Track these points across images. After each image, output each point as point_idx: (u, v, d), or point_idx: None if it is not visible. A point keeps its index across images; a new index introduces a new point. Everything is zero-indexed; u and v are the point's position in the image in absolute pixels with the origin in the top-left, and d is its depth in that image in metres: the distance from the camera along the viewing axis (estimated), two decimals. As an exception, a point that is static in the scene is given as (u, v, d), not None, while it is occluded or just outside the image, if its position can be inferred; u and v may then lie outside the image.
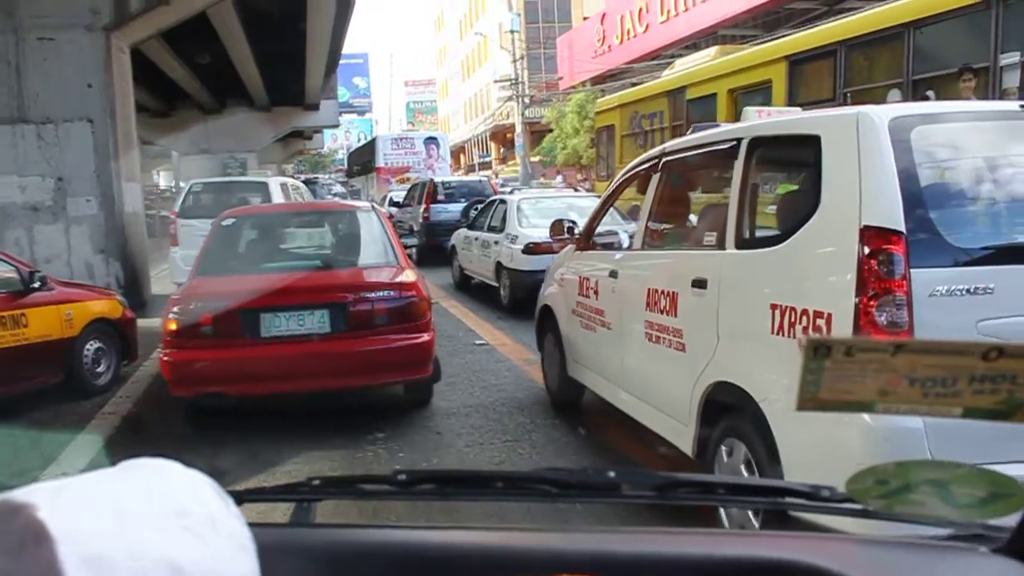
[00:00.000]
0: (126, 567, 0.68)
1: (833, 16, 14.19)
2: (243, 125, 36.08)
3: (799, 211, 3.47)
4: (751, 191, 3.89)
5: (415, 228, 18.61)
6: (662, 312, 4.35)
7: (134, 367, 8.33)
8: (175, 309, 6.04)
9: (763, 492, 1.29)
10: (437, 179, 20.30)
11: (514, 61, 40.18)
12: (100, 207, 11.67)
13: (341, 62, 34.65)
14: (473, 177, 26.12)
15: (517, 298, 10.87)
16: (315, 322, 5.98)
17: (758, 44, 13.28)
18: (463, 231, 13.95)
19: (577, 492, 1.23)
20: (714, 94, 12.19)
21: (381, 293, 6.15)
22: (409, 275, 6.42)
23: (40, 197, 11.47)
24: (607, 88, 34.41)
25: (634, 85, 19.12)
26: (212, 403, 6.03)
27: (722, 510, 3.41)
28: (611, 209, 6.21)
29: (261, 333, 5.91)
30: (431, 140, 31.91)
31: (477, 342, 9.38)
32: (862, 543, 1.16)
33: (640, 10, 31.19)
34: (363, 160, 34.92)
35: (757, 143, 3.93)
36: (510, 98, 45.60)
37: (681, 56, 17.67)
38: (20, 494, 0.69)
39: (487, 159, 63.30)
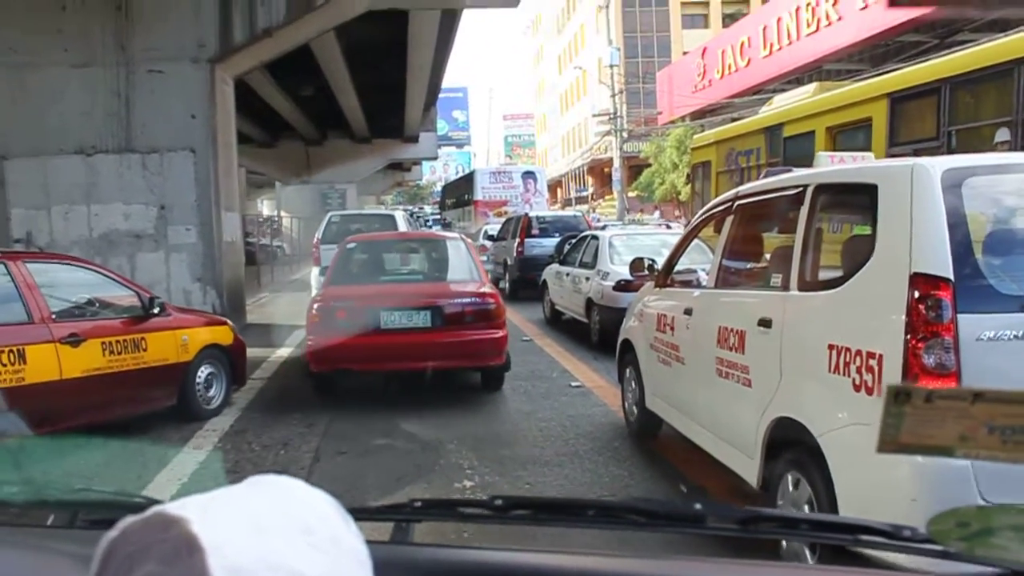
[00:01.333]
0: None
1: (945, 49, 14.12)
2: (343, 156, 37.28)
3: (858, 256, 3.67)
4: (815, 235, 4.12)
5: (509, 262, 18.95)
6: (731, 349, 4.59)
7: (244, 393, 8.75)
8: (317, 306, 8.18)
9: (845, 529, 1.30)
10: (532, 213, 20.63)
11: (613, 95, 40.47)
12: (199, 236, 12.26)
13: (440, 95, 35.28)
14: (568, 212, 26.54)
15: (607, 335, 10.64)
16: (419, 319, 8.03)
17: (861, 80, 13.31)
18: (555, 266, 14.11)
19: (665, 522, 1.28)
20: (812, 132, 12.28)
21: (467, 300, 8.24)
22: (488, 287, 8.53)
23: (143, 225, 12.12)
24: (706, 123, 34.26)
25: (734, 120, 19.23)
26: (341, 379, 8.44)
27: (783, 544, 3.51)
28: (701, 244, 6.36)
29: (380, 326, 7.94)
30: (528, 174, 31.96)
31: (573, 383, 9.18)
32: None
33: (743, 44, 31.27)
34: (459, 193, 35.60)
35: (821, 190, 4.17)
36: (608, 133, 45.84)
37: (783, 91, 17.78)
38: (173, 507, 0.76)
39: (584, 193, 63.67)
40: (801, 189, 4.29)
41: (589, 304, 11.75)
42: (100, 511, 1.38)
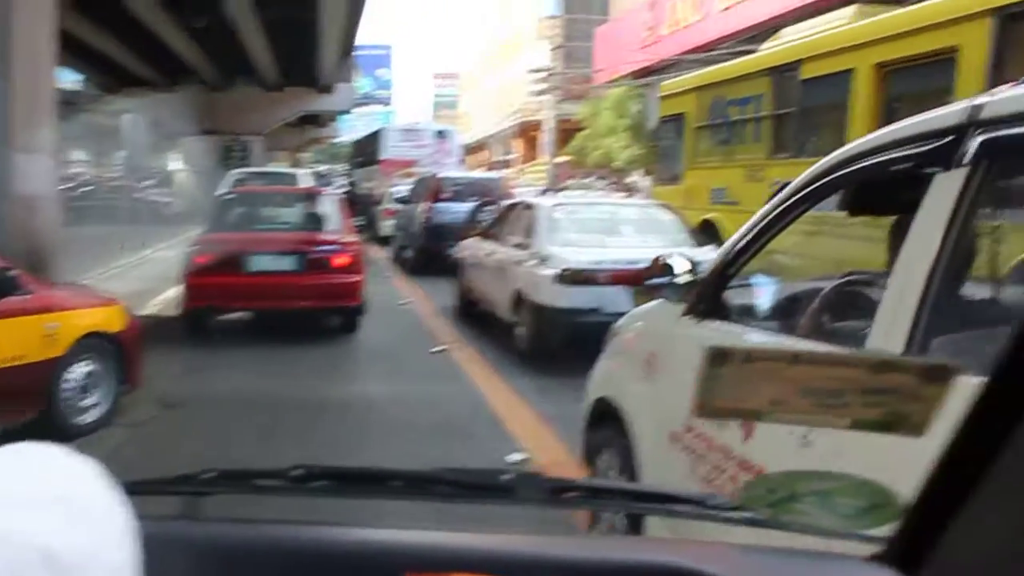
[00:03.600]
0: None
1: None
2: (251, 106, 34.09)
3: None
4: None
5: (414, 230, 16.49)
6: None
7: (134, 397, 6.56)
8: (193, 249, 9.23)
9: (656, 499, 1.32)
10: (443, 174, 18.35)
11: (554, 48, 36.57)
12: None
13: (364, 53, 34.48)
14: (486, 174, 24.19)
15: (543, 344, 8.02)
16: (286, 263, 9.09)
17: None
18: (472, 240, 10.94)
19: (473, 493, 1.24)
20: (849, 71, 8.64)
21: (329, 248, 9.30)
22: (349, 237, 9.77)
23: None
24: (652, 82, 31.13)
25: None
26: (211, 315, 9.37)
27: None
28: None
29: (250, 268, 8.96)
30: (441, 134, 29.81)
31: (513, 457, 5.51)
32: (745, 550, 1.16)
33: None
34: (367, 152, 32.73)
35: None
36: (543, 91, 42.15)
37: (744, 52, 14.06)
38: None
39: (511, 157, 59.69)
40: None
41: (518, 299, 8.50)
42: None
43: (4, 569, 0.66)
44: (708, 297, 3.10)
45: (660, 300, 3.43)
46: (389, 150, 28.68)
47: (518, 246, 8.91)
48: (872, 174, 2.45)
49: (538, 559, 1.08)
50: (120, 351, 6.25)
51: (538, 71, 40.99)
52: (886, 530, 1.09)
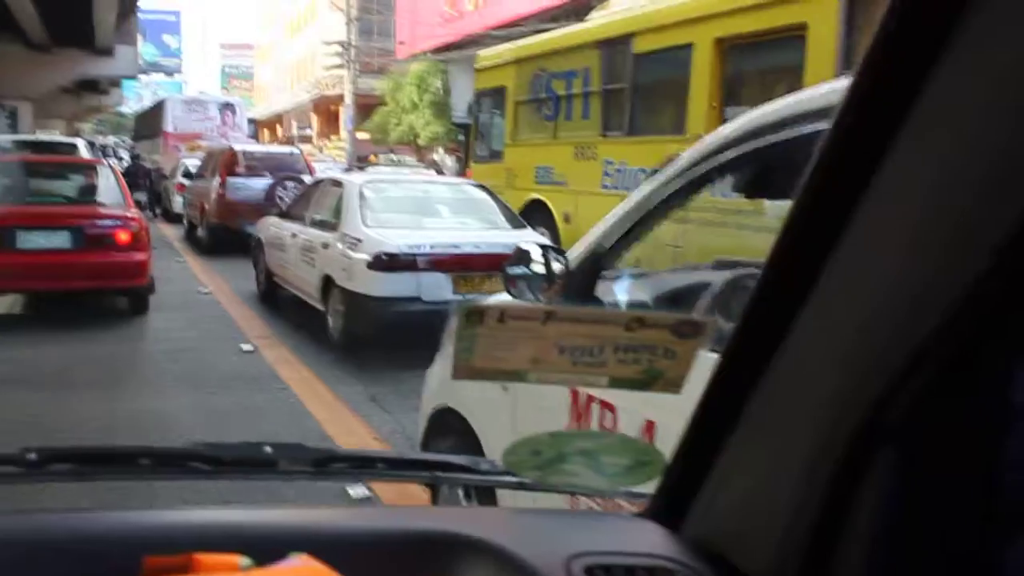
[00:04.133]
0: None
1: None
2: (15, 66, 30.26)
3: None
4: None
5: (207, 207, 15.38)
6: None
7: None
8: None
9: (421, 466, 1.30)
10: (238, 147, 17.02)
11: (348, 22, 35.08)
12: None
13: (149, 17, 31.13)
14: (284, 148, 22.06)
15: (355, 333, 7.37)
16: (59, 240, 8.26)
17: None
18: (273, 220, 10.03)
19: (232, 469, 1.16)
20: (688, 45, 7.99)
21: (109, 222, 8.57)
22: (133, 212, 9.03)
23: None
24: (451, 59, 30.51)
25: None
26: None
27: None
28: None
29: (18, 245, 8.09)
30: (227, 106, 29.20)
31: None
32: (515, 512, 1.25)
33: None
34: (151, 123, 31.61)
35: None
36: (340, 65, 40.48)
37: (547, 29, 13.47)
38: None
39: (308, 133, 57.65)
40: None
41: (327, 284, 7.79)
42: None
43: None
44: (577, 291, 2.65)
45: (517, 293, 2.83)
46: (172, 122, 27.63)
47: (325, 226, 8.10)
48: (776, 151, 2.06)
49: (298, 534, 1.02)
50: None
51: (333, 43, 39.17)
52: (650, 487, 1.11)
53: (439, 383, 3.43)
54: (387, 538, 1.04)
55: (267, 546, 0.91)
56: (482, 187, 9.07)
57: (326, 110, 56.93)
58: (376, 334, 7.06)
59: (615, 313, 1.09)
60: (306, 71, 61.02)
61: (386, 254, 6.89)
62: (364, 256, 7.02)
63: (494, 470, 1.17)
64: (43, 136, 27.20)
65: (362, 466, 1.26)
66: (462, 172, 22.85)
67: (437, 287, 6.72)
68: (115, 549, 0.95)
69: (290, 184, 12.84)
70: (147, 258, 8.66)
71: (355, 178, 8.83)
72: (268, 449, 1.13)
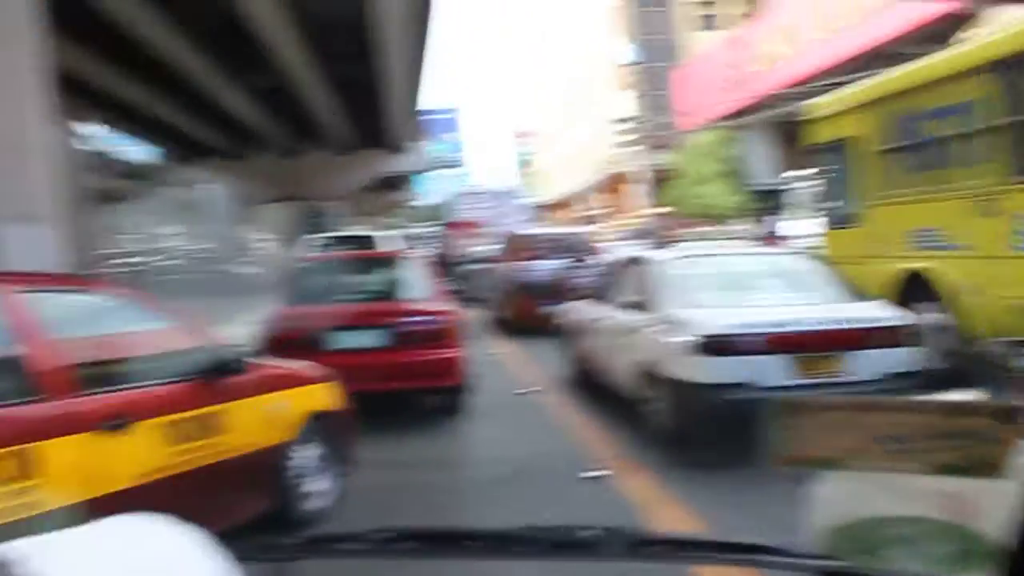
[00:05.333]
0: None
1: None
2: (324, 170, 32.96)
3: None
4: None
5: (502, 288, 15.64)
6: None
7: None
8: (266, 328, 7.84)
9: (740, 549, 1.23)
10: (524, 232, 18.00)
11: (639, 96, 34.26)
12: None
13: (431, 117, 35.64)
14: (569, 229, 22.87)
15: (684, 425, 6.20)
16: (370, 339, 7.74)
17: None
18: (579, 304, 9.38)
19: (556, 550, 1.22)
20: None
21: (420, 318, 7.89)
22: (444, 305, 8.33)
23: None
24: (741, 124, 28.98)
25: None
26: None
27: None
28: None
29: (331, 346, 7.48)
30: (503, 195, 31.28)
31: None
32: None
33: (794, 28, 25.52)
34: (438, 215, 35.75)
35: None
36: (629, 142, 39.76)
37: (847, 82, 11.35)
38: (9, 548, 0.72)
39: (594, 212, 57.19)
40: None
41: (645, 373, 6.71)
42: None
43: None
44: None
45: None
46: (455, 213, 29.54)
47: (636, 308, 7.29)
48: None
49: None
50: (341, 431, 5.60)
51: (623, 120, 38.54)
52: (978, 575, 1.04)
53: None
54: None
55: None
56: (808, 256, 8.21)
57: (612, 189, 56.56)
58: (704, 423, 6.00)
59: (933, 402, 0.95)
60: (589, 152, 61.24)
61: (712, 336, 5.92)
62: (687, 339, 6.04)
63: (815, 554, 1.15)
64: (353, 231, 28.63)
65: (681, 548, 1.25)
66: (765, 239, 21.00)
67: (774, 371, 5.77)
68: None
69: (579, 265, 12.95)
70: (461, 355, 7.91)
71: (664, 255, 8.06)
72: (589, 532, 1.17)
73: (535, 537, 1.18)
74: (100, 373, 3.95)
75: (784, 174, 24.54)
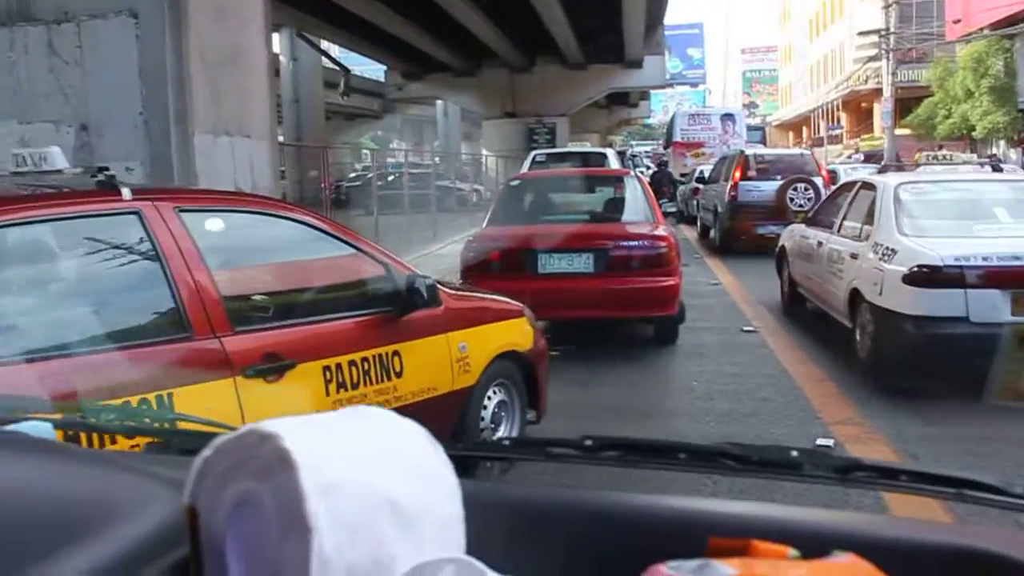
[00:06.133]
0: (354, 498, 0.74)
1: None
2: (554, 86, 32.19)
3: None
4: None
5: (720, 209, 16.20)
6: None
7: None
8: (470, 248, 7.82)
9: (948, 483, 1.15)
10: (749, 152, 17.60)
11: (886, 7, 31.35)
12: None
13: (673, 33, 35.03)
14: (794, 150, 23.32)
15: (885, 355, 6.18)
16: (580, 263, 7.37)
17: None
18: (799, 227, 9.30)
19: (758, 468, 1.22)
20: None
21: (635, 243, 7.50)
22: (661, 230, 7.79)
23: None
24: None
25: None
26: None
27: None
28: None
29: (538, 270, 7.33)
30: (728, 116, 30.81)
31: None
32: None
33: None
34: (666, 136, 34.63)
35: None
36: (872, 58, 36.77)
37: None
38: (266, 425, 0.76)
39: (837, 131, 53.83)
40: None
41: (855, 300, 6.79)
42: (194, 440, 1.36)
43: (358, 514, 0.73)
44: None
45: None
46: (680, 133, 29.80)
47: (855, 235, 7.23)
48: None
49: (838, 535, 0.99)
50: (530, 374, 4.99)
51: (869, 33, 35.39)
52: None
53: None
54: (927, 550, 0.98)
55: (811, 542, 0.90)
56: None
57: (856, 107, 52.89)
58: (909, 358, 5.92)
59: None
60: (832, 68, 57.35)
61: (926, 266, 5.78)
62: (899, 268, 5.98)
63: None
64: (573, 147, 28.97)
65: (885, 476, 1.20)
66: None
67: (991, 306, 5.56)
68: (684, 528, 1.01)
69: (800, 186, 13.03)
70: (677, 282, 7.46)
71: (889, 179, 7.58)
72: (795, 453, 1.16)
73: (743, 454, 1.18)
74: (261, 307, 3.60)
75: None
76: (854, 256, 6.95)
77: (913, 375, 6.00)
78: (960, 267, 5.68)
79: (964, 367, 5.20)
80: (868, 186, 7.64)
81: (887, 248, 6.35)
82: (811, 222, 8.88)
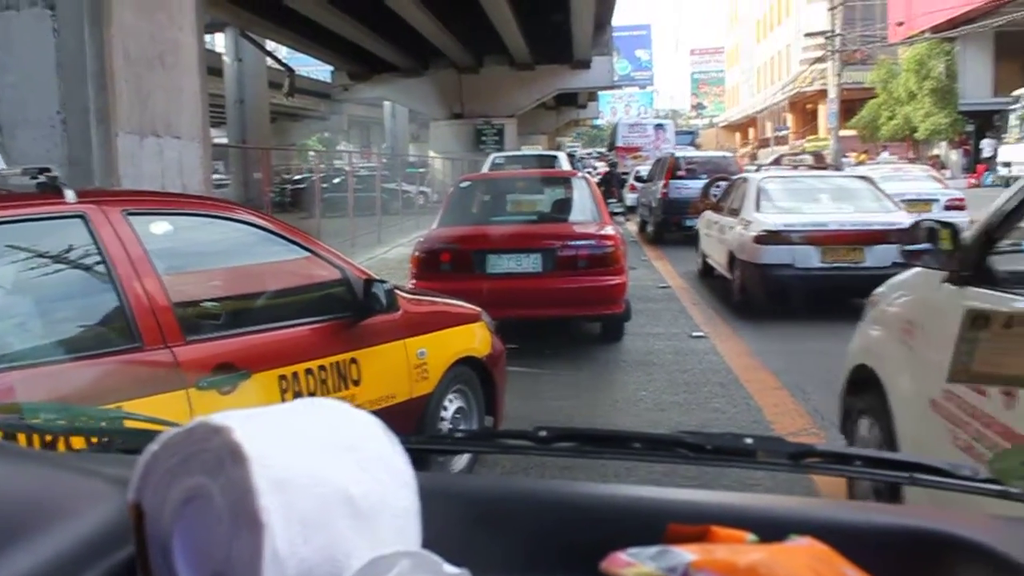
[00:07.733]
0: (308, 492, 0.72)
1: None
2: (501, 86, 32.20)
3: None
4: None
5: (653, 204, 18.39)
6: None
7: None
8: (420, 248, 7.77)
9: (900, 467, 1.20)
10: (679, 154, 20.12)
11: (832, 8, 31.61)
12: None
13: (621, 34, 35.51)
14: (717, 153, 25.59)
15: (747, 293, 9.36)
16: (529, 263, 7.47)
17: None
18: (708, 213, 12.25)
19: (712, 457, 1.23)
20: None
21: (582, 243, 7.63)
22: (608, 229, 7.93)
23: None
24: (964, 34, 26.53)
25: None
26: None
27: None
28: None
29: (487, 270, 7.43)
30: (659, 126, 35.14)
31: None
32: (1006, 520, 1.04)
33: None
34: (611, 140, 38.19)
35: None
36: (818, 59, 37.04)
37: None
38: (217, 418, 0.74)
39: (783, 132, 54.36)
40: None
41: (732, 257, 9.94)
42: (141, 438, 1.25)
43: (312, 509, 0.72)
44: (971, 263, 3.09)
45: (919, 267, 3.51)
46: (621, 139, 33.59)
47: (734, 213, 10.17)
48: None
49: (795, 519, 1.01)
50: (488, 379, 4.93)
51: (815, 34, 35.71)
52: None
53: (860, 344, 3.95)
54: (880, 532, 1.00)
55: (769, 527, 0.92)
56: (864, 178, 10.77)
57: (801, 108, 53.45)
58: (762, 294, 8.99)
59: None
60: (780, 69, 57.92)
61: (767, 231, 8.91)
62: (752, 233, 9.08)
63: (975, 477, 1.10)
64: (528, 151, 29.25)
65: (838, 462, 1.24)
66: (971, 168, 21.52)
67: (807, 257, 8.63)
68: (643, 516, 1.01)
69: (722, 184, 13.99)
70: (624, 281, 7.67)
71: (757, 175, 11.24)
72: (749, 440, 1.18)
73: (697, 443, 1.19)
74: (213, 315, 3.46)
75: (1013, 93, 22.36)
76: (731, 228, 9.99)
77: (764, 302, 8.88)
78: (788, 231, 8.74)
79: (791, 295, 8.43)
80: (744, 179, 10.93)
81: (747, 221, 9.42)
82: (715, 209, 11.57)
